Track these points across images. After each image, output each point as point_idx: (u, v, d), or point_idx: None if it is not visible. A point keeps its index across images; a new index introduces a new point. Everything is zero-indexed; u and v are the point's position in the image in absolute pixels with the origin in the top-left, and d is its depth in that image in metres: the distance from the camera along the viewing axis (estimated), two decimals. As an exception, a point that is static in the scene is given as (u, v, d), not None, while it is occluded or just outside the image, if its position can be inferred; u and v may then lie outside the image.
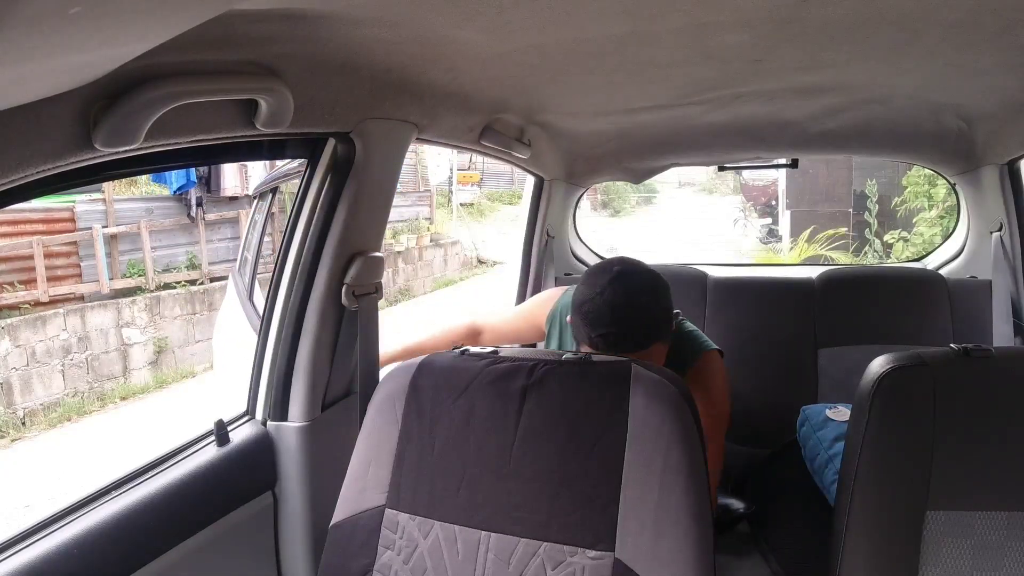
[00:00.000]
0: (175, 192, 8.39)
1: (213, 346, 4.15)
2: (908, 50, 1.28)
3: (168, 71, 0.85)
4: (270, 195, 3.58)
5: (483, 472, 1.08)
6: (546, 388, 1.08)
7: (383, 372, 1.45)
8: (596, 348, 1.31)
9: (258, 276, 3.19)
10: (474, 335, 1.87)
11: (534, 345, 1.89)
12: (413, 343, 1.82)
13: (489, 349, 1.19)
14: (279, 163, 3.39)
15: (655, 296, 1.36)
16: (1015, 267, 2.16)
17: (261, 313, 1.44)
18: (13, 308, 6.80)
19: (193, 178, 8.16)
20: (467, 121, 1.64)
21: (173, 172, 7.96)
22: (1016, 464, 1.04)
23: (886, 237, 9.29)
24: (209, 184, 8.30)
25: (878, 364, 1.10)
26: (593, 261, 2.99)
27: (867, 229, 9.87)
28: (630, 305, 1.32)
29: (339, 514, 1.16)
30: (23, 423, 6.42)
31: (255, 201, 3.85)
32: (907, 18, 1.10)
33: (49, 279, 7.17)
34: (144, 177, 8.56)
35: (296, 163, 2.82)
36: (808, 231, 9.91)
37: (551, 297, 1.78)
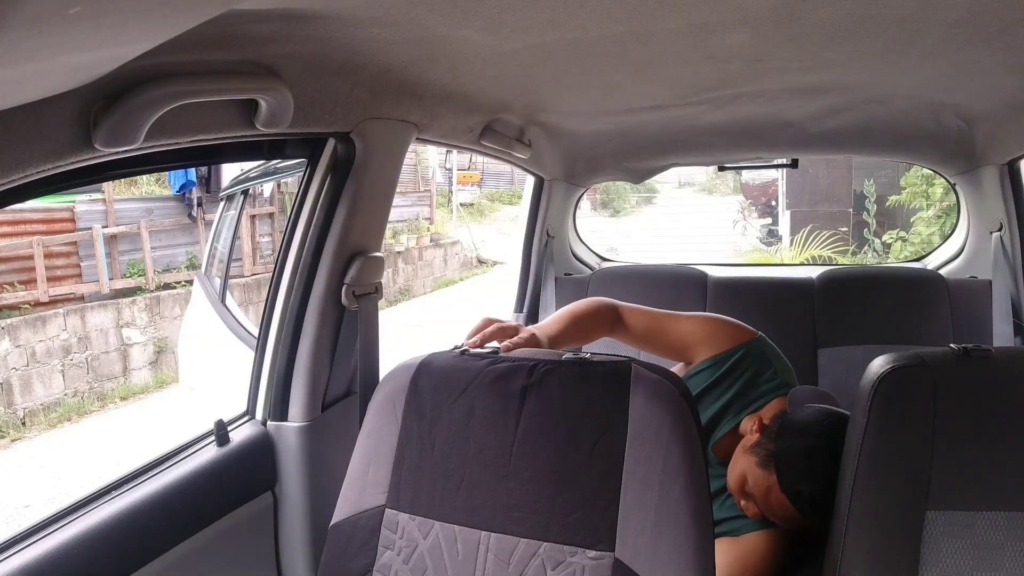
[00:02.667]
0: (178, 191, 8.40)
1: (178, 354, 4.11)
2: (908, 50, 1.28)
3: (168, 71, 0.85)
4: (240, 197, 3.58)
5: (483, 472, 1.08)
6: (546, 388, 1.08)
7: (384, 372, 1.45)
8: (784, 490, 1.26)
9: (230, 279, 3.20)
10: (613, 317, 1.51)
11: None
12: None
13: (489, 348, 1.19)
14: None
15: None
16: (1015, 267, 2.16)
17: (262, 313, 1.44)
18: (13, 308, 6.80)
19: (192, 177, 8.17)
20: (467, 121, 1.64)
21: (173, 172, 7.98)
22: (1016, 464, 1.04)
23: (884, 237, 9.30)
24: (209, 184, 8.31)
25: (878, 364, 1.10)
26: (593, 261, 2.99)
27: (866, 229, 9.88)
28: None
29: (339, 514, 1.16)
30: (23, 423, 6.42)
31: (222, 203, 3.84)
32: (907, 18, 1.10)
33: (49, 279, 7.17)
34: (144, 177, 8.58)
35: (270, 165, 2.82)
36: (805, 231, 9.88)
37: (729, 337, 1.48)
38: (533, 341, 1.27)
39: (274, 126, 1.07)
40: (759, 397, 1.46)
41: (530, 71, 1.39)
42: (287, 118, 1.08)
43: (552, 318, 1.46)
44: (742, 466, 1.35)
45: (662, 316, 1.53)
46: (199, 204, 8.39)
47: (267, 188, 8.77)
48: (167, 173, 8.22)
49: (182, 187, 8.33)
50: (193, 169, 7.92)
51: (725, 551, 1.37)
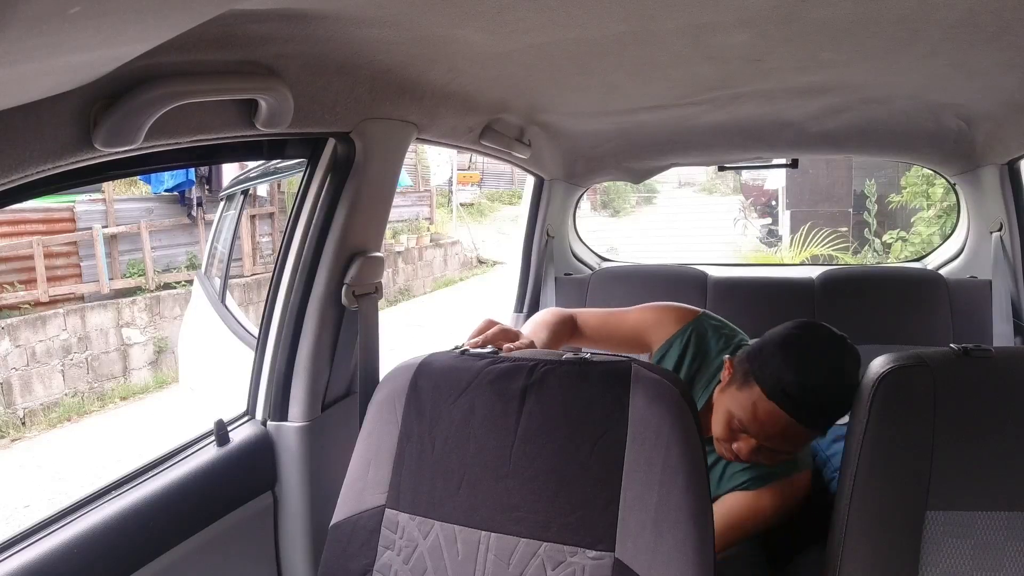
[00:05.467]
0: (167, 190, 8.35)
1: (178, 354, 4.10)
2: (908, 50, 1.28)
3: (168, 71, 0.85)
4: (240, 197, 3.58)
5: (483, 472, 1.08)
6: (546, 388, 1.08)
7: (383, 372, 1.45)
8: (771, 394, 1.21)
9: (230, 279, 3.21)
10: (572, 324, 1.59)
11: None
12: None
13: (489, 348, 1.20)
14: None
15: (856, 385, 1.18)
16: (1015, 267, 2.16)
17: (262, 313, 1.44)
18: (13, 308, 6.80)
19: (192, 177, 8.15)
20: (467, 121, 1.64)
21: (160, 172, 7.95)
22: (1016, 464, 1.04)
23: (884, 237, 9.30)
24: (210, 184, 8.29)
25: (878, 364, 1.10)
26: (593, 261, 2.99)
27: (866, 229, 9.88)
28: (839, 380, 1.19)
29: (339, 514, 1.16)
30: (23, 423, 6.42)
31: (222, 203, 3.84)
32: (907, 18, 1.10)
33: (49, 279, 7.17)
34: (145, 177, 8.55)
35: (270, 165, 2.82)
36: (804, 228, 9.87)
37: (675, 319, 1.54)
38: (533, 346, 1.28)
39: (274, 126, 1.07)
40: (720, 366, 1.47)
41: (530, 71, 1.39)
42: (287, 118, 1.08)
43: (535, 327, 1.50)
44: (724, 403, 1.31)
45: (612, 313, 1.61)
46: (199, 204, 8.37)
47: (267, 188, 8.77)
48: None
49: (177, 187, 8.30)
50: (193, 169, 7.90)
51: (736, 503, 1.38)
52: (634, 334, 1.58)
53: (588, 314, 1.60)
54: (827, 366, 1.21)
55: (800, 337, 1.25)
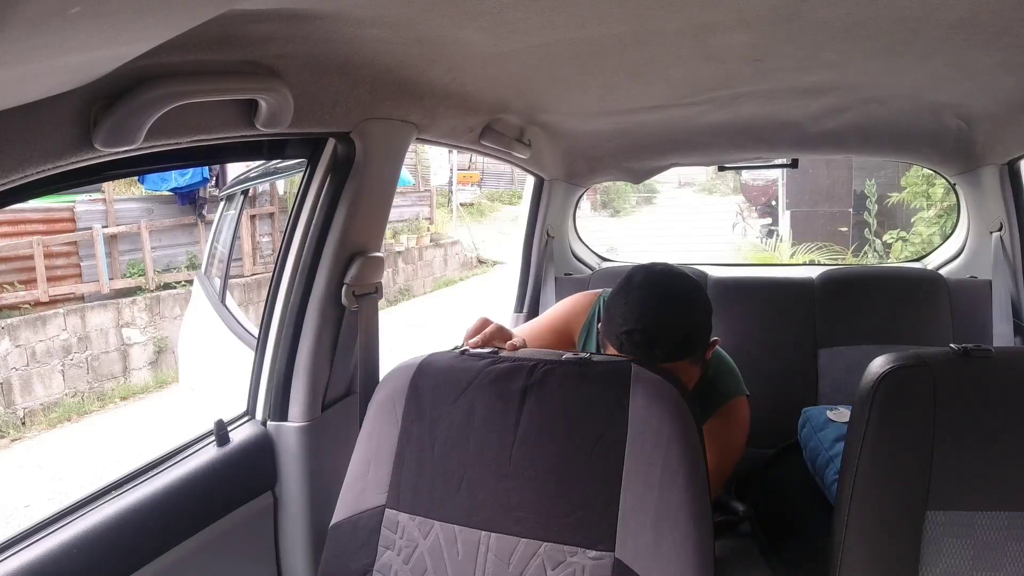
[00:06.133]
0: (175, 190, 8.33)
1: (178, 354, 4.10)
2: (908, 50, 1.28)
3: (168, 71, 0.85)
4: (240, 197, 3.58)
5: (483, 472, 1.08)
6: (546, 388, 1.08)
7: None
8: (620, 349, 1.26)
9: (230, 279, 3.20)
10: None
11: None
12: None
13: (489, 349, 1.20)
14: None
15: (693, 307, 1.30)
16: (1015, 267, 2.16)
17: (262, 313, 1.44)
18: (13, 308, 6.80)
19: (208, 175, 8.11)
20: (467, 121, 1.64)
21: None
22: (1016, 464, 1.04)
23: (885, 237, 9.31)
24: (217, 183, 8.26)
25: (878, 364, 1.10)
26: (593, 261, 2.99)
27: (867, 229, 9.89)
28: (663, 309, 1.26)
29: (339, 514, 1.16)
30: (23, 423, 6.42)
31: (222, 203, 3.85)
32: (907, 18, 1.10)
33: (49, 279, 7.17)
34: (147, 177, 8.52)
35: (271, 165, 2.82)
36: (802, 248, 9.91)
37: (584, 305, 1.67)
38: (526, 346, 1.28)
39: (274, 126, 1.07)
40: None
41: (530, 71, 1.39)
42: (287, 118, 1.08)
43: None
44: None
45: (530, 324, 1.73)
46: (202, 204, 8.35)
47: (267, 188, 8.74)
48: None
49: (191, 186, 8.27)
50: (207, 167, 7.86)
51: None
52: (557, 332, 1.65)
53: (521, 331, 1.66)
54: (651, 301, 1.27)
55: (623, 287, 1.32)
